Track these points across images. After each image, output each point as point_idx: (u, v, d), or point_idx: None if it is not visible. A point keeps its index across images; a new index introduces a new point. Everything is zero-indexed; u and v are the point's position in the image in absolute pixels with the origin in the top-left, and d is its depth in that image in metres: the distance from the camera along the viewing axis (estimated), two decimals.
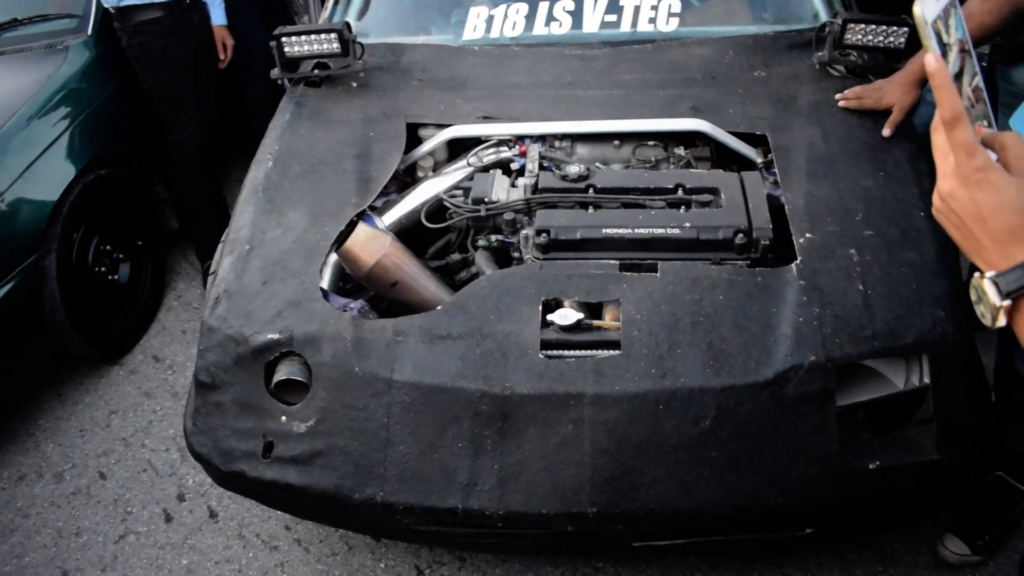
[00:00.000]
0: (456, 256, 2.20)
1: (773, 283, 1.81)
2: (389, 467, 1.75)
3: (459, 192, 2.21)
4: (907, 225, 1.90)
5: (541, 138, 2.32)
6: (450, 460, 1.73)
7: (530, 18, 2.67)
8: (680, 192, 2.04)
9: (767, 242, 1.90)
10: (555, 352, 1.77)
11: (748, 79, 2.39)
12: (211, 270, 2.15)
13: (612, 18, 2.64)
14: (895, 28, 2.24)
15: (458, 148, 2.41)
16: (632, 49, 2.54)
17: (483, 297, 1.86)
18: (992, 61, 2.28)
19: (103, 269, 3.25)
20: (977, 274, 0.82)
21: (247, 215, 2.12)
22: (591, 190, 2.07)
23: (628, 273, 1.86)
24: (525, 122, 2.31)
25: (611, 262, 1.89)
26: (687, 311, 1.78)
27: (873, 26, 2.26)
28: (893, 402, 1.80)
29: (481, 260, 2.10)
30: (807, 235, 1.90)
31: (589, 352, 1.77)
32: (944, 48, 0.83)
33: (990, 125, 0.89)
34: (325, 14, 2.91)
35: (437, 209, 2.22)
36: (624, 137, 2.33)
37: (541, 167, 2.22)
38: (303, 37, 2.44)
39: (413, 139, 2.37)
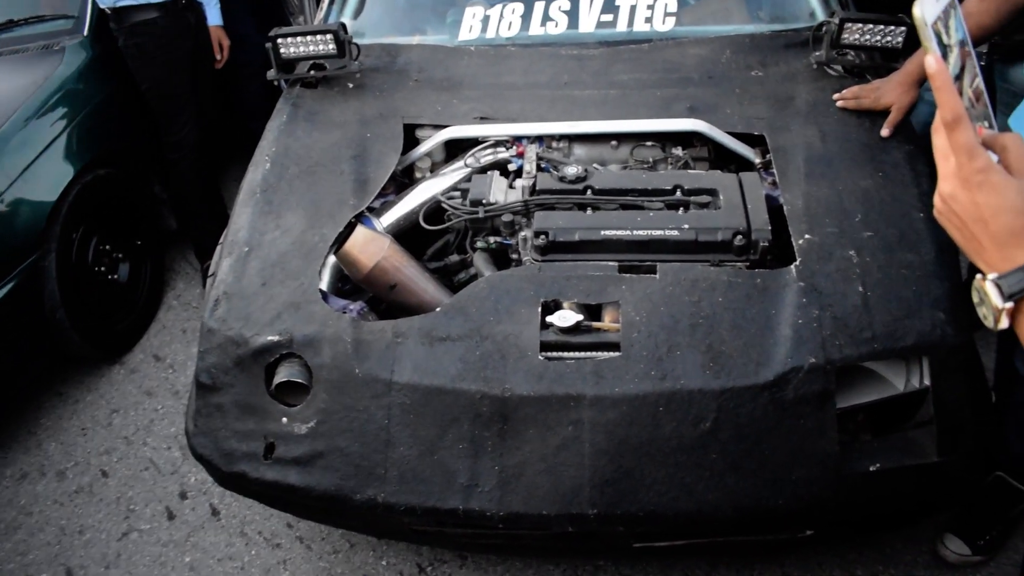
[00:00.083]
0: (455, 257, 2.20)
1: (772, 285, 1.81)
2: (390, 468, 1.75)
3: (457, 194, 2.21)
4: (906, 226, 1.90)
5: (538, 139, 2.32)
6: (450, 461, 1.74)
7: (526, 18, 2.66)
8: (678, 193, 2.04)
9: (766, 244, 1.90)
10: (554, 354, 1.78)
11: (745, 79, 2.38)
12: (210, 272, 2.15)
13: (608, 18, 2.63)
14: (893, 27, 2.24)
15: (455, 149, 2.40)
16: (628, 49, 2.53)
17: (482, 299, 1.86)
18: (990, 61, 2.27)
19: (103, 269, 3.25)
20: (979, 276, 0.82)
21: (245, 217, 2.12)
22: (589, 191, 2.07)
23: (627, 275, 1.86)
24: (522, 123, 2.30)
25: (610, 264, 1.90)
26: (686, 313, 1.78)
27: (871, 25, 2.25)
28: (893, 404, 1.81)
29: (480, 262, 2.10)
30: (806, 236, 1.90)
31: (588, 354, 1.77)
32: (944, 49, 0.83)
33: (991, 126, 0.89)
34: (320, 15, 2.90)
35: (435, 210, 2.22)
36: (621, 137, 2.32)
37: (539, 168, 2.22)
38: (299, 38, 2.44)
39: (410, 140, 2.36)
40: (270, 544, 2.55)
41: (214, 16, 3.47)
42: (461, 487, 1.72)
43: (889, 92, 2.14)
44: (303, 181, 2.19)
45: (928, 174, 2.03)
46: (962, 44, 0.86)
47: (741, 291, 1.81)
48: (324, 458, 1.79)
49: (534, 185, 2.13)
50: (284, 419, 1.84)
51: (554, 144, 2.33)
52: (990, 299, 0.80)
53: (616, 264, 1.89)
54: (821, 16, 2.56)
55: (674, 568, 2.34)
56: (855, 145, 2.12)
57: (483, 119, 2.33)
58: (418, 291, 2.04)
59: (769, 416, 1.68)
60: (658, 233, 1.92)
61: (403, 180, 2.40)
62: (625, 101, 2.33)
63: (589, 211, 2.03)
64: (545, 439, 1.71)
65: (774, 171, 2.09)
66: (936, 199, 0.85)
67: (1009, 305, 0.79)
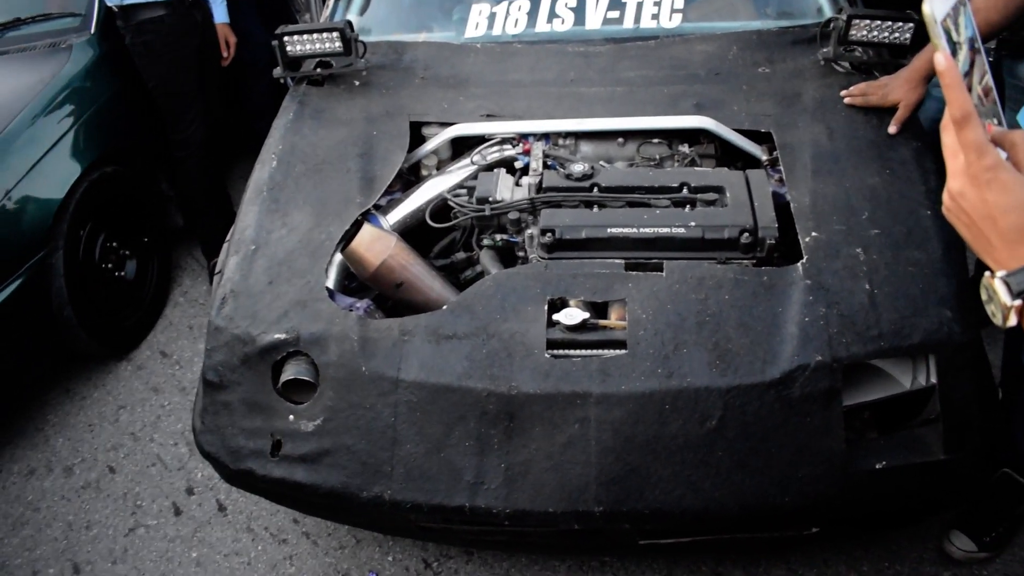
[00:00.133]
0: (461, 255, 2.20)
1: (779, 282, 1.81)
2: (396, 466, 1.76)
3: (463, 191, 2.21)
4: (913, 223, 1.89)
5: (545, 136, 2.32)
6: (457, 459, 1.74)
7: (532, 15, 2.66)
8: (685, 191, 2.04)
9: (773, 241, 1.90)
10: (561, 352, 1.78)
11: (752, 75, 2.37)
12: (217, 269, 2.15)
13: (615, 14, 2.63)
14: (900, 24, 2.22)
15: (462, 146, 2.41)
16: (635, 46, 2.52)
17: (488, 297, 1.86)
18: (998, 56, 2.27)
19: (110, 266, 3.26)
20: (988, 274, 0.82)
21: (252, 215, 2.12)
22: (596, 189, 2.07)
23: (633, 272, 1.86)
24: (528, 120, 2.30)
25: (616, 261, 1.89)
26: (693, 310, 1.78)
27: (878, 22, 2.24)
28: (899, 402, 1.80)
29: (486, 259, 2.11)
30: (813, 234, 1.89)
31: (595, 352, 1.77)
32: (953, 46, 0.83)
33: (1000, 123, 0.89)
34: (326, 12, 2.90)
35: (442, 208, 2.22)
36: (628, 135, 2.32)
37: (545, 165, 2.22)
38: (305, 36, 2.43)
39: (416, 137, 2.36)
40: (276, 540, 2.56)
41: (220, 14, 3.47)
42: (467, 484, 1.73)
43: (897, 89, 2.13)
44: (309, 179, 2.19)
45: (936, 171, 2.02)
46: (971, 41, 0.86)
47: (748, 289, 1.81)
48: (331, 455, 1.79)
49: (540, 183, 2.13)
50: (291, 417, 1.84)
51: (560, 141, 2.33)
52: (999, 297, 0.80)
53: (623, 262, 1.89)
54: (829, 12, 2.56)
55: (679, 565, 2.34)
56: (862, 142, 2.11)
57: (489, 116, 2.33)
58: (424, 289, 2.04)
59: (775, 414, 1.68)
60: (665, 231, 1.92)
61: (409, 178, 2.40)
62: (632, 98, 2.33)
63: (596, 209, 2.03)
64: (551, 437, 1.71)
65: (781, 168, 2.09)
66: (945, 197, 0.85)
67: (1018, 303, 0.79)
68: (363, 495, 1.77)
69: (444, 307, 1.89)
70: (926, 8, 0.81)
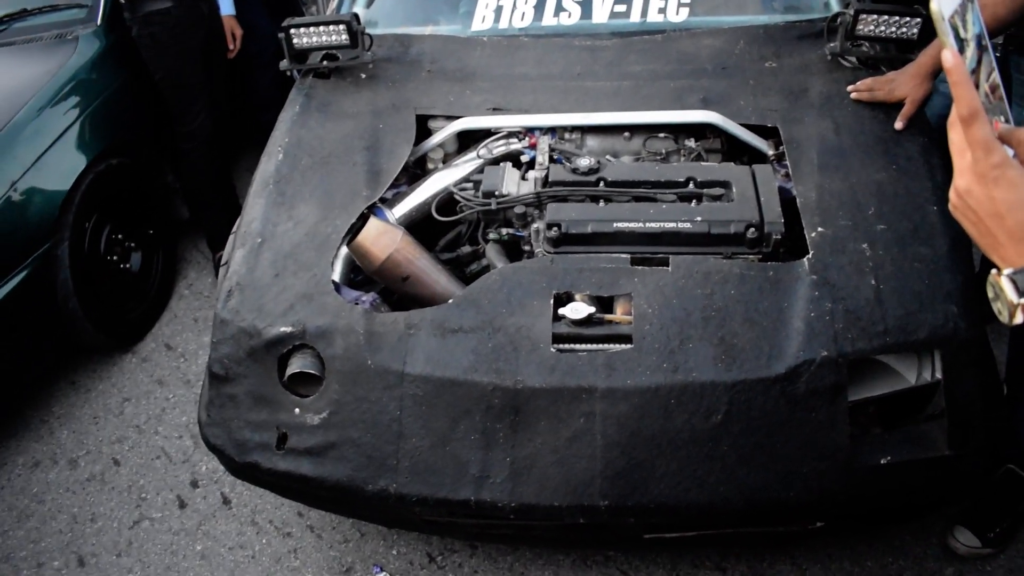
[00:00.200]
0: (467, 249, 2.20)
1: (785, 278, 1.81)
2: (402, 459, 1.77)
3: (469, 185, 2.21)
4: (919, 219, 1.89)
5: (551, 130, 2.32)
6: (462, 453, 1.75)
7: (539, 8, 2.65)
8: (691, 185, 2.04)
9: (779, 236, 1.90)
10: (567, 346, 1.78)
11: (759, 70, 2.37)
12: (223, 262, 2.16)
13: (621, 8, 2.62)
14: (908, 19, 2.21)
15: (468, 140, 2.41)
16: (642, 40, 2.52)
17: (494, 291, 1.86)
18: (1006, 52, 2.25)
19: (115, 258, 3.26)
20: (994, 271, 0.82)
21: (258, 208, 2.12)
22: (602, 183, 2.07)
23: (639, 267, 1.87)
24: (535, 114, 2.30)
25: (622, 256, 1.90)
26: (698, 305, 1.78)
27: (886, 16, 2.22)
28: (904, 397, 1.81)
29: (492, 253, 2.11)
30: (819, 229, 1.89)
31: (600, 346, 1.78)
32: (961, 43, 0.83)
33: (1007, 120, 0.89)
34: (333, 5, 2.90)
35: (448, 202, 2.22)
36: (634, 129, 2.32)
37: (551, 159, 2.22)
38: (311, 28, 2.43)
39: (422, 131, 2.36)
40: (281, 533, 2.56)
41: (227, 6, 3.47)
42: (473, 478, 1.73)
43: (903, 84, 2.12)
44: (316, 172, 2.19)
45: (942, 167, 2.01)
46: (979, 38, 0.86)
47: (753, 284, 1.81)
48: (336, 449, 1.80)
49: (547, 177, 2.13)
50: (297, 410, 1.85)
51: (567, 135, 2.33)
52: (1005, 294, 0.80)
53: (628, 256, 1.89)
54: (836, 7, 2.55)
55: (684, 559, 2.35)
56: (869, 137, 2.11)
57: (496, 110, 2.33)
58: (430, 283, 2.04)
59: (781, 409, 1.68)
60: (671, 225, 1.92)
61: (415, 171, 2.40)
62: (638, 92, 2.33)
63: (602, 203, 2.03)
64: (557, 431, 1.72)
65: (787, 163, 2.09)
66: (952, 194, 0.85)
67: None
68: (369, 488, 1.78)
69: (450, 301, 1.89)
70: (934, 5, 0.81)
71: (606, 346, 1.77)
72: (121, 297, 3.29)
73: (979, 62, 0.86)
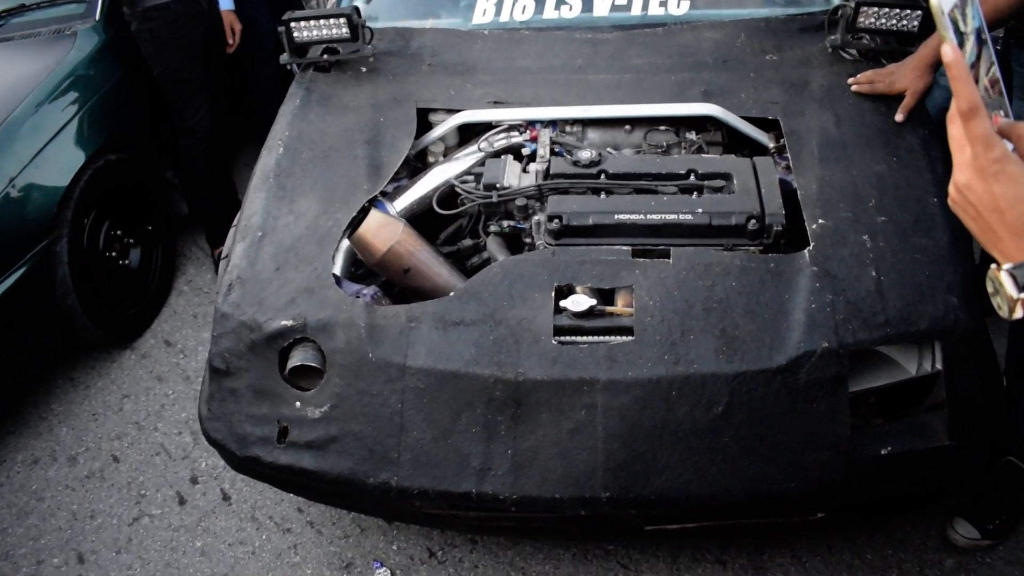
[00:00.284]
0: (468, 242, 2.21)
1: (786, 269, 1.81)
2: (403, 452, 1.76)
3: (470, 178, 2.21)
4: (920, 211, 1.90)
5: (552, 123, 2.32)
6: (464, 445, 1.75)
7: (540, 1, 2.65)
8: (692, 178, 2.04)
9: (780, 228, 1.90)
10: (568, 338, 1.78)
11: (760, 63, 2.37)
12: (223, 256, 2.15)
13: (623, 1, 2.62)
14: (908, 11, 2.22)
15: (469, 133, 2.40)
16: (643, 33, 2.52)
17: (496, 283, 1.86)
18: (1006, 45, 2.25)
19: (114, 254, 3.26)
20: (994, 266, 0.82)
21: (259, 202, 2.12)
22: (603, 176, 2.07)
23: (641, 259, 1.87)
24: (536, 107, 2.30)
25: (623, 248, 1.90)
26: (700, 297, 1.78)
27: (886, 9, 2.23)
28: (905, 388, 1.81)
29: (493, 246, 2.11)
30: (820, 221, 1.89)
31: (602, 338, 1.78)
32: (960, 37, 0.83)
33: (1007, 114, 0.89)
34: None
35: (449, 195, 2.22)
36: (635, 122, 2.32)
37: (552, 152, 2.22)
38: (312, 22, 2.43)
39: (423, 124, 2.36)
40: (281, 529, 2.56)
41: (226, 1, 3.47)
42: (474, 471, 1.73)
43: (903, 77, 2.13)
44: (316, 166, 2.19)
45: (942, 159, 2.02)
46: (978, 32, 0.86)
47: (755, 276, 1.81)
48: (338, 442, 1.80)
49: (548, 169, 2.13)
50: (298, 403, 1.85)
51: (568, 128, 2.33)
52: (1005, 289, 0.80)
53: (630, 248, 1.89)
54: (837, 0, 2.55)
55: (684, 551, 2.35)
56: (870, 130, 2.11)
57: (497, 103, 2.33)
58: (432, 275, 2.04)
59: (782, 400, 1.68)
60: (672, 217, 1.92)
61: (416, 164, 2.40)
62: (639, 85, 2.33)
63: (603, 195, 2.03)
64: (558, 423, 1.72)
65: (788, 155, 2.09)
66: (951, 189, 0.85)
67: None
68: (370, 481, 1.78)
69: (451, 294, 1.89)
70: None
71: (607, 338, 1.77)
72: (120, 293, 3.28)
73: (979, 56, 0.86)
